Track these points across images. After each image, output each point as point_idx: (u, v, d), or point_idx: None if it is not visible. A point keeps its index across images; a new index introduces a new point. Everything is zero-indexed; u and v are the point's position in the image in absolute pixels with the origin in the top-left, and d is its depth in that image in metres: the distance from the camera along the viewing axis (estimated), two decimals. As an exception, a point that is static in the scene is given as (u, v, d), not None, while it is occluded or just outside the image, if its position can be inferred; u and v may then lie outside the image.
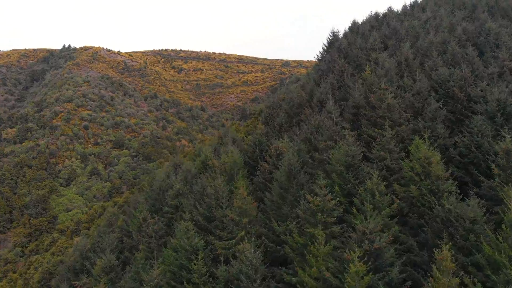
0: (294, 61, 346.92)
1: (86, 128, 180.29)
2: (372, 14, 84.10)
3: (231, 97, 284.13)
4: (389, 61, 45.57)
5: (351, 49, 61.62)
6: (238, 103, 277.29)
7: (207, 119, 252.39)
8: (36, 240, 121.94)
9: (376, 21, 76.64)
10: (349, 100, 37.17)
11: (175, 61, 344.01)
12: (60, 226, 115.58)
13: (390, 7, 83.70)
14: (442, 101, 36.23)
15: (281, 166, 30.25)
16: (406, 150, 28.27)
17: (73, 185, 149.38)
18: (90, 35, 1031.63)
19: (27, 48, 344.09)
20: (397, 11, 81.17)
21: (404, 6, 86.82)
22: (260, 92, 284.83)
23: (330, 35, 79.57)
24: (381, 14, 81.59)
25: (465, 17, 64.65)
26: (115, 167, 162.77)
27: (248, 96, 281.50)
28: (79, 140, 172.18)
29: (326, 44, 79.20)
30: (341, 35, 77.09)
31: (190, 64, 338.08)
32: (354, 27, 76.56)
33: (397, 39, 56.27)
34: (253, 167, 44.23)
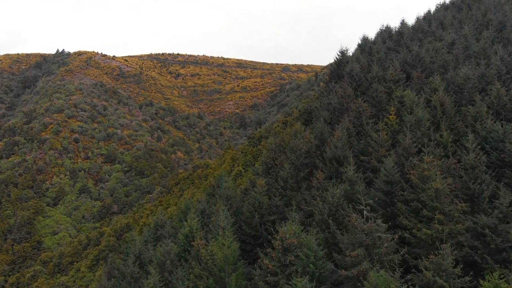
0: (294, 65, 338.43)
1: (76, 141, 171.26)
2: (383, 28, 76.06)
3: (229, 104, 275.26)
4: (420, 105, 36.95)
5: (365, 77, 53.10)
6: (237, 110, 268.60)
7: (205, 128, 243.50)
8: (19, 268, 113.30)
9: (389, 38, 68.22)
10: (379, 170, 28.45)
11: (172, 66, 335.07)
12: (43, 256, 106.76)
13: (403, 21, 75.37)
14: (495, 170, 27.85)
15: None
16: (472, 272, 19.62)
17: (61, 204, 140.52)
18: (88, 39, 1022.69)
19: (20, 53, 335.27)
20: (411, 27, 72.80)
21: (418, 20, 78.34)
22: (259, 99, 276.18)
23: (339, 55, 71.44)
24: (393, 29, 73.43)
25: (495, 38, 56.29)
26: (106, 183, 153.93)
27: (247, 103, 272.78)
28: (69, 155, 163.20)
29: (334, 65, 70.85)
30: (349, 47, 68.52)
31: (188, 69, 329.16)
32: (366, 46, 68.07)
33: (422, 68, 47.60)
34: (252, 236, 35.98)
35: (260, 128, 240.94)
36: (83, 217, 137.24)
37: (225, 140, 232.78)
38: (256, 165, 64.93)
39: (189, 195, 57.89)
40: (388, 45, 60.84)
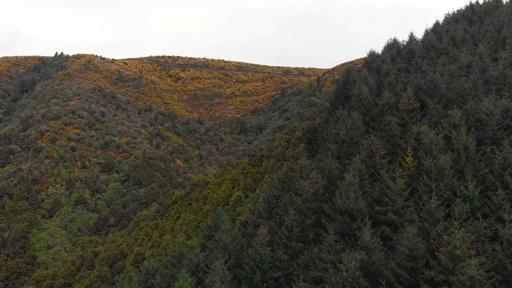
0: (295, 68, 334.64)
1: (73, 149, 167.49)
2: (391, 42, 72.52)
3: (230, 109, 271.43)
4: (440, 145, 33.34)
5: (374, 101, 49.45)
6: (237, 115, 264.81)
7: (205, 133, 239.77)
8: (13, 285, 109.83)
9: (397, 54, 64.61)
10: (400, 240, 24.66)
11: (172, 69, 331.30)
12: (36, 275, 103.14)
13: (411, 34, 71.80)
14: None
15: None
16: None
17: (57, 216, 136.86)
18: (87, 40, 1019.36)
19: (18, 55, 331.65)
20: (421, 41, 69.20)
21: (427, 33, 74.63)
22: (260, 103, 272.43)
23: (345, 73, 68.27)
24: (401, 43, 69.93)
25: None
26: (103, 194, 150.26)
27: (248, 108, 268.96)
28: (65, 164, 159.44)
29: (340, 84, 67.45)
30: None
31: (188, 72, 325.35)
32: (374, 64, 64.39)
33: (438, 96, 43.76)
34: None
35: (261, 133, 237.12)
36: (79, 229, 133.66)
37: (225, 146, 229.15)
38: (257, 191, 61.41)
39: (183, 237, 54.26)
40: (398, 65, 57.00)
